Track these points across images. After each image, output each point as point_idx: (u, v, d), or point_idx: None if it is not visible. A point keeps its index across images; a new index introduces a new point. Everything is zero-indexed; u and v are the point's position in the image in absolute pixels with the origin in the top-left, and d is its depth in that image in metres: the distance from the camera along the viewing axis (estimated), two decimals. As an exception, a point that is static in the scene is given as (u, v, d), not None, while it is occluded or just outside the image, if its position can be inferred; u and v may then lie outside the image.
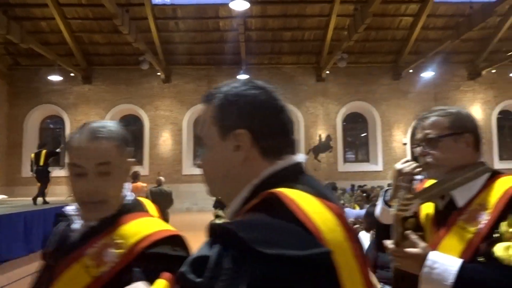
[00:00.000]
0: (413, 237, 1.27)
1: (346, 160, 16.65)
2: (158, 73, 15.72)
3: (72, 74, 15.49)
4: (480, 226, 1.22)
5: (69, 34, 14.22)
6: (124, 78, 16.05)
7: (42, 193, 9.77)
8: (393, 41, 15.51)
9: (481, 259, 1.19)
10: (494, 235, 1.18)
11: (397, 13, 14.26)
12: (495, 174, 1.35)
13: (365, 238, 3.95)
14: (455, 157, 1.36)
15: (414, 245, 1.25)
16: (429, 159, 1.40)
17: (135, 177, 8.31)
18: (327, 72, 15.91)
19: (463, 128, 1.37)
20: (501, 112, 16.73)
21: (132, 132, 16.65)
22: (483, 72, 15.97)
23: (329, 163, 16.13)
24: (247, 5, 10.51)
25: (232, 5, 10.47)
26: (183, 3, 13.82)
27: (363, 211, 5.28)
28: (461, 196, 1.33)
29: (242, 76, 15.18)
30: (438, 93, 16.20)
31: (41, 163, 9.91)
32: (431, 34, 14.95)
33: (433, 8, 13.81)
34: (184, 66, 16.13)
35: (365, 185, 13.21)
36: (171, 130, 16.12)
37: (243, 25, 13.40)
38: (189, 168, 15.98)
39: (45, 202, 9.67)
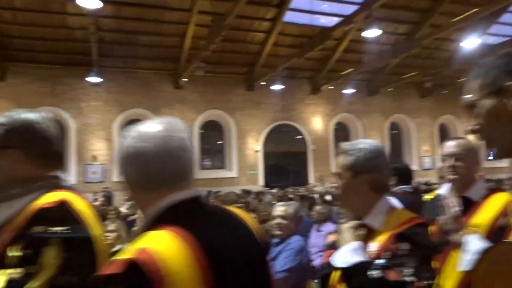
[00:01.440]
0: None
1: (203, 167, 16.89)
2: (-10, 70, 13.57)
3: None
4: None
5: None
6: None
7: None
8: (248, 55, 16.39)
9: None
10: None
11: (251, 29, 15.10)
12: (51, 191, 1.15)
13: None
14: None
15: None
16: None
17: None
18: (185, 80, 15.94)
19: (8, 142, 1.16)
20: (337, 123, 19.11)
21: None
22: (322, 88, 18.03)
23: (186, 171, 16.07)
24: (99, 4, 9.83)
25: (79, 2, 9.65)
26: (22, -7, 12.23)
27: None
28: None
29: (93, 79, 14.18)
30: (285, 105, 17.69)
31: None
32: (280, 51, 16.22)
33: (283, 27, 15.03)
34: (23, 63, 14.26)
35: (219, 191, 13.55)
36: (5, 135, 14.01)
37: (94, 24, 12.51)
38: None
39: None
